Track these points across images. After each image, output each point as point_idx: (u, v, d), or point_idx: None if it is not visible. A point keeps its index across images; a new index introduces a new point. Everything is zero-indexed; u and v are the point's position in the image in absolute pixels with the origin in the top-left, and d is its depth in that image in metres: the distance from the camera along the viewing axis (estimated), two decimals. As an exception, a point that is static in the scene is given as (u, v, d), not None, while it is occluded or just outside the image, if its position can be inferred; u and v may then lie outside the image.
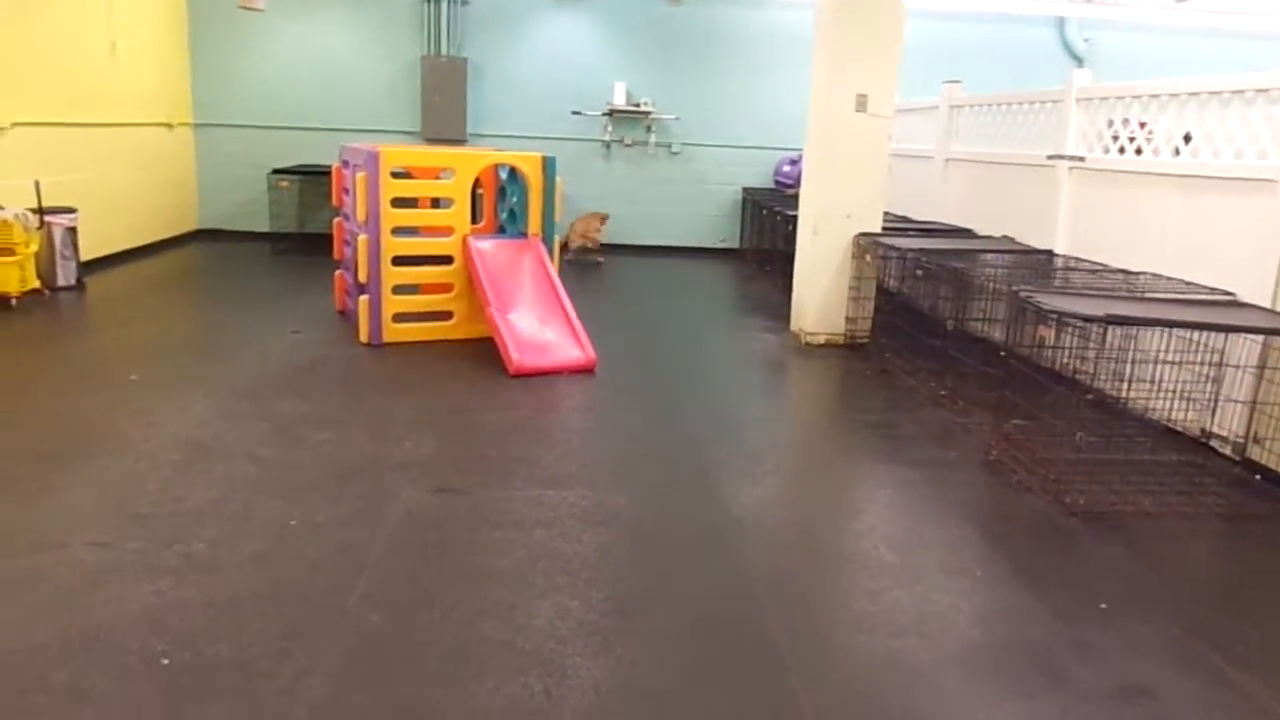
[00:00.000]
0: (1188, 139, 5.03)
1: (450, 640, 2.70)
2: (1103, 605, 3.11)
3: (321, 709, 2.37)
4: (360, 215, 5.84)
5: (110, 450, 4.02)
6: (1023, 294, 4.23)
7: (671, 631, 2.82)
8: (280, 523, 3.40)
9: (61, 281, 7.13)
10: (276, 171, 9.72)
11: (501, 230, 6.72)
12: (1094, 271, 5.37)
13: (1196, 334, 4.27)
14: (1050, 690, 2.61)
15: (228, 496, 3.61)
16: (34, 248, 6.76)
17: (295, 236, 9.76)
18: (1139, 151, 5.43)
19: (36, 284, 6.80)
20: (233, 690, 2.41)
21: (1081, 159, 5.88)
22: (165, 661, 2.52)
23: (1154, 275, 5.01)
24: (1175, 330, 4.19)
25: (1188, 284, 4.77)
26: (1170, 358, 4.35)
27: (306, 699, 2.40)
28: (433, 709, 2.39)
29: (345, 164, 6.47)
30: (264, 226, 9.89)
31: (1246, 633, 2.99)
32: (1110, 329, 3.94)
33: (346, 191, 6.43)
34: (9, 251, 6.48)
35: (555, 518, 3.55)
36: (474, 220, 6.53)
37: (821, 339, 6.67)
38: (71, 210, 7.23)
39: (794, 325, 6.96)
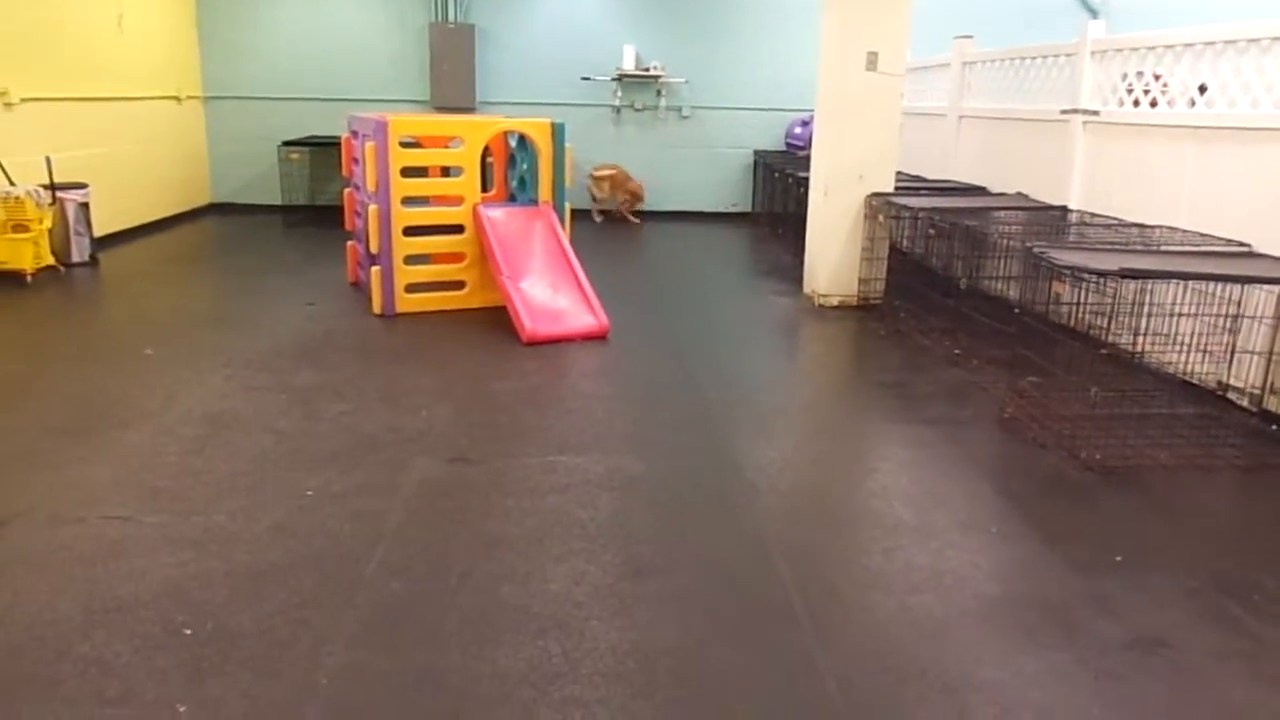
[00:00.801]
0: (1203, 90, 4.94)
1: (468, 606, 2.73)
2: (1118, 558, 3.11)
3: (341, 676, 2.40)
4: (370, 185, 5.82)
5: (128, 424, 4.05)
6: (1036, 250, 4.19)
7: (687, 593, 2.84)
8: (298, 493, 3.43)
9: (76, 258, 7.17)
10: (287, 143, 9.70)
11: (512, 198, 6.70)
12: (1109, 226, 5.31)
13: (1212, 286, 4.23)
14: (1066, 643, 2.62)
15: (246, 468, 3.64)
16: (47, 224, 6.78)
17: (307, 209, 9.77)
18: (1154, 104, 5.35)
19: (51, 260, 6.84)
20: (254, 659, 2.45)
21: (1096, 113, 5.79)
22: (187, 632, 2.56)
23: (1169, 228, 4.96)
24: (1191, 283, 4.15)
25: (1203, 236, 4.71)
26: (1186, 310, 4.31)
27: (327, 666, 2.43)
28: (452, 673, 2.42)
29: (354, 134, 6.45)
30: (275, 199, 9.90)
31: (1263, 582, 2.98)
32: (1125, 282, 3.90)
33: (356, 162, 6.41)
34: (23, 228, 6.51)
35: (570, 484, 3.57)
36: (484, 188, 6.50)
37: (835, 301, 6.63)
38: (83, 186, 7.25)
39: (807, 287, 6.93)
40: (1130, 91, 5.53)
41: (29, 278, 6.56)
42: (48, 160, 6.96)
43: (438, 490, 3.50)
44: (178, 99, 9.60)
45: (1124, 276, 3.72)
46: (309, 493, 3.44)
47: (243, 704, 2.27)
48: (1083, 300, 4.28)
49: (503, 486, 3.54)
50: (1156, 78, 5.31)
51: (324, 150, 9.49)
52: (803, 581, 2.92)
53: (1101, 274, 3.85)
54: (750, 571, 2.99)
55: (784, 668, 2.49)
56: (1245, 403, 4.42)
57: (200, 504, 3.31)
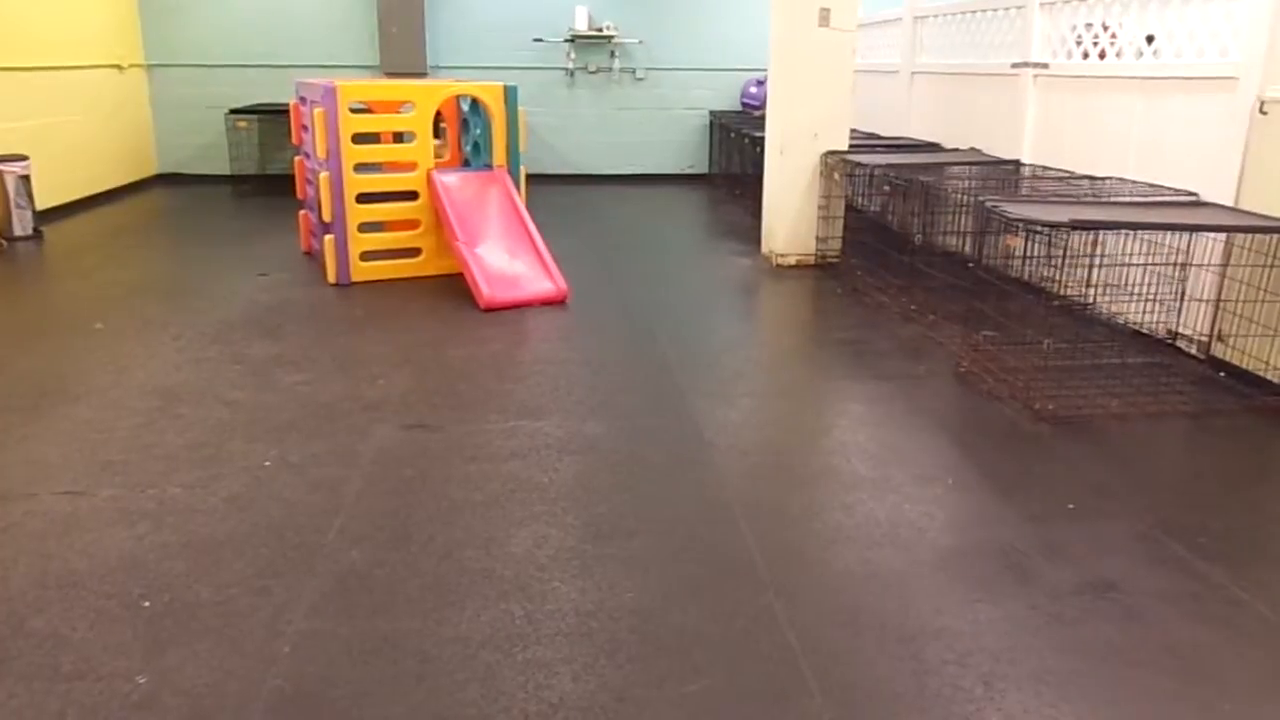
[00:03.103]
0: (1150, 40, 4.98)
1: (429, 571, 2.73)
2: (1070, 506, 3.18)
3: (304, 643, 2.39)
4: (320, 152, 5.72)
5: (78, 399, 3.98)
6: (989, 204, 4.22)
7: (649, 554, 2.86)
8: (255, 464, 3.40)
9: (18, 231, 6.98)
10: (234, 111, 9.48)
11: (466, 163, 6.61)
12: (1060, 179, 5.37)
13: (1161, 235, 4.30)
14: (1020, 590, 2.68)
15: (201, 440, 3.59)
16: (-14, 199, 6.59)
17: (257, 178, 9.58)
18: (1102, 55, 5.39)
19: (-8, 236, 6.66)
20: (214, 629, 2.43)
21: (1046, 66, 5.83)
22: (145, 604, 2.53)
23: (1119, 180, 5.02)
24: (1140, 233, 4.21)
25: (1152, 186, 4.78)
26: (1136, 260, 4.38)
27: (288, 634, 2.42)
28: (415, 638, 2.42)
29: (302, 100, 6.32)
30: (225, 169, 9.70)
31: (1209, 525, 3.06)
32: (1075, 234, 3.95)
33: (305, 129, 6.29)
34: (-40, 204, 6.32)
35: (530, 448, 3.57)
36: (437, 154, 6.41)
37: (792, 260, 6.65)
38: (23, 158, 7.04)
39: (765, 248, 6.94)
40: (1080, 44, 5.56)
41: (-31, 254, 6.38)
42: (-17, 132, 6.76)
43: (397, 457, 3.48)
44: (119, 67, 9.33)
45: (1074, 228, 3.77)
46: (266, 463, 3.40)
47: (203, 674, 2.26)
48: (1035, 253, 4.33)
49: (463, 452, 3.52)
50: (1105, 28, 5.35)
51: (273, 118, 9.30)
52: (763, 539, 2.95)
53: (1052, 226, 3.89)
54: (711, 530, 3.01)
55: (745, 624, 2.52)
56: (1194, 350, 4.51)
57: (154, 477, 3.26)
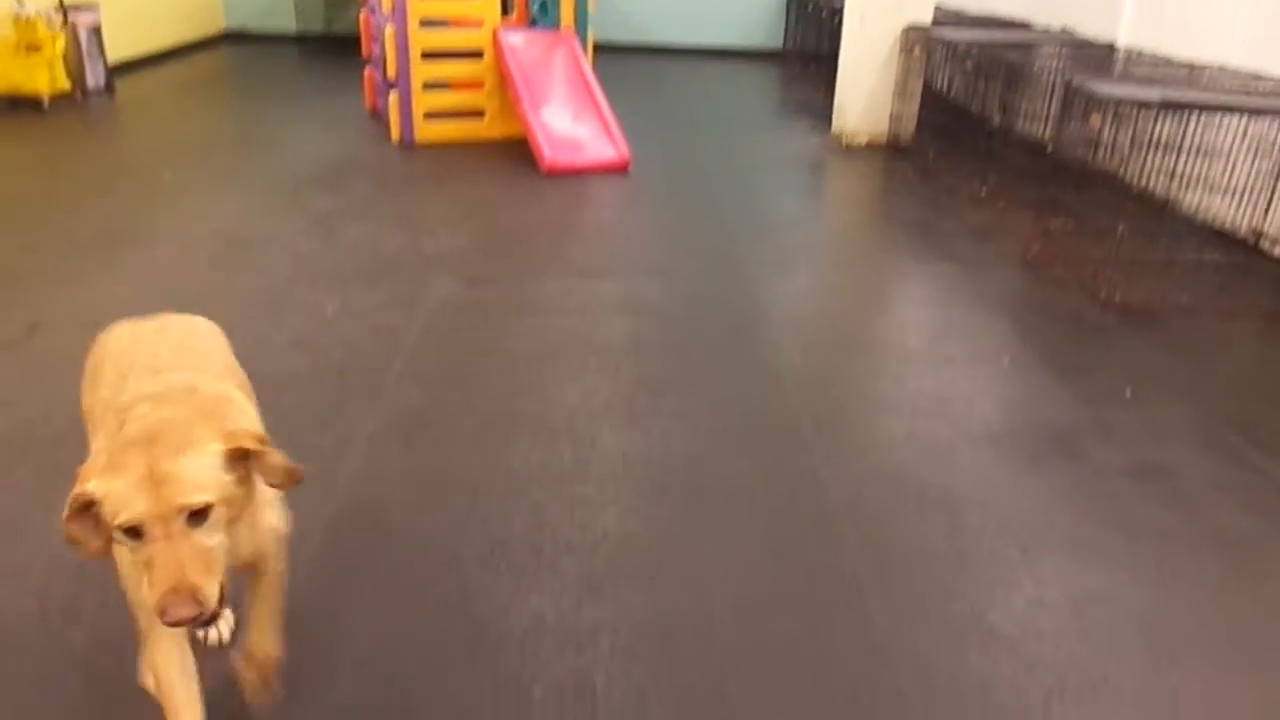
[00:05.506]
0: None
1: (484, 413, 2.80)
2: (1128, 392, 3.12)
3: (363, 472, 2.49)
4: (386, 6, 5.63)
5: (149, 243, 4.08)
6: (1075, 81, 4.03)
7: (698, 411, 2.89)
8: (318, 310, 3.48)
9: (91, 84, 7.05)
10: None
11: (533, 23, 6.47)
12: (1156, 63, 5.08)
13: (1255, 127, 4.07)
14: (1068, 467, 2.67)
15: (267, 285, 3.68)
16: (60, 47, 6.64)
17: (322, 40, 9.51)
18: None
19: (67, 86, 6.73)
20: (278, 454, 2.53)
21: (1153, -61, 5.45)
22: (213, 428, 2.64)
23: (1220, 69, 4.73)
24: (1233, 123, 3.99)
25: (1255, 77, 4.50)
26: (1226, 151, 4.16)
27: (347, 465, 2.52)
28: (468, 471, 2.50)
29: (369, -47, 6.20)
30: (290, 26, 9.62)
31: (1272, 420, 3.00)
32: (1164, 119, 3.76)
33: (372, -18, 6.19)
34: (35, 48, 6.38)
35: (587, 306, 3.59)
36: (505, 12, 6.27)
37: (864, 139, 6.46)
38: (94, 7, 7.06)
39: (836, 126, 6.74)
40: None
41: (46, 103, 6.47)
42: (57, -22, 6.76)
43: (456, 309, 3.53)
44: (188, -83, 9.22)
45: (1165, 108, 3.59)
46: (330, 309, 3.49)
47: (267, 494, 2.37)
48: (1119, 139, 4.14)
49: (520, 307, 3.57)
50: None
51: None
52: (813, 404, 2.97)
53: (1141, 105, 3.70)
54: (761, 393, 3.03)
55: (788, 481, 2.56)
56: (1277, 252, 4.33)
57: (220, 317, 3.35)
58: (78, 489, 1.27)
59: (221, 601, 1.30)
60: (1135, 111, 3.78)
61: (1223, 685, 1.90)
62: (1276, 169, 4.26)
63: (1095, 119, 3.96)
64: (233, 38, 10.02)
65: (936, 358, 3.31)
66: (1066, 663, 1.93)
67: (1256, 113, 3.83)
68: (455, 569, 2.13)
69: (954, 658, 1.94)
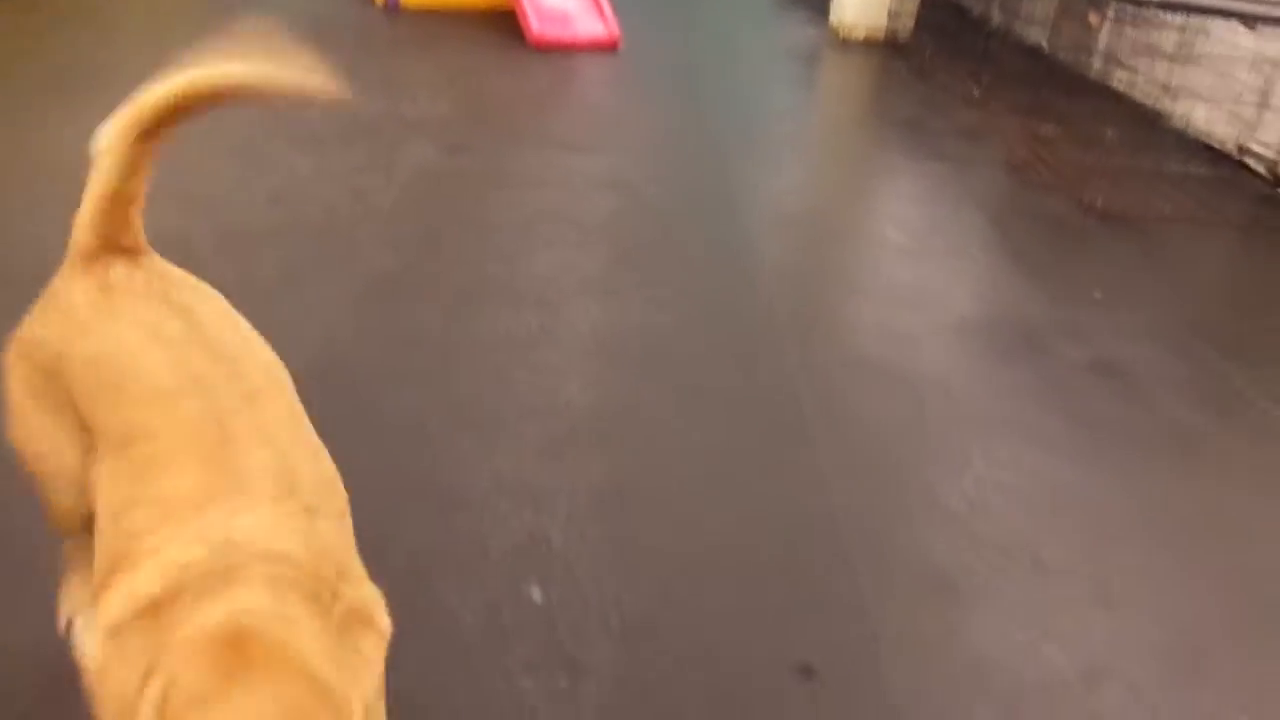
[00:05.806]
0: None
1: (455, 279, 2.79)
2: (1098, 295, 3.15)
3: (331, 330, 2.49)
4: None
5: (114, 88, 3.95)
6: (1078, -22, 3.93)
7: (671, 289, 2.89)
8: (293, 168, 3.42)
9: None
10: None
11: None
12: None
13: (1251, 40, 4.01)
14: (1032, 360, 2.70)
15: (241, 143, 3.60)
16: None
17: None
18: None
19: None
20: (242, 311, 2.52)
21: None
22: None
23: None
24: (1226, 33, 3.93)
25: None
26: (1220, 61, 4.11)
27: (318, 321, 2.51)
28: (437, 333, 2.51)
29: None
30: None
31: (1238, 328, 3.04)
32: (1162, 24, 3.69)
33: None
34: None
35: (565, 179, 3.55)
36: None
37: (861, 34, 6.31)
38: None
39: (833, 19, 6.57)
40: None
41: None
42: None
43: (433, 175, 3.48)
44: None
45: (1162, 8, 3.52)
46: (305, 169, 3.42)
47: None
48: (1114, 45, 4.07)
49: (498, 177, 3.52)
50: None
51: None
52: (788, 290, 2.97)
53: (1139, 3, 3.63)
54: (738, 278, 3.03)
55: (756, 361, 2.58)
56: (1262, 170, 4.32)
57: (191, 170, 3.29)
58: None
59: None
60: (1135, 6, 3.71)
61: (1154, 565, 1.97)
62: (1266, 84, 4.21)
63: (1094, 18, 3.88)
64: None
65: (914, 252, 3.31)
66: (1010, 539, 1.99)
67: (1252, 19, 3.76)
68: (419, 429, 2.15)
69: (903, 530, 1.99)
